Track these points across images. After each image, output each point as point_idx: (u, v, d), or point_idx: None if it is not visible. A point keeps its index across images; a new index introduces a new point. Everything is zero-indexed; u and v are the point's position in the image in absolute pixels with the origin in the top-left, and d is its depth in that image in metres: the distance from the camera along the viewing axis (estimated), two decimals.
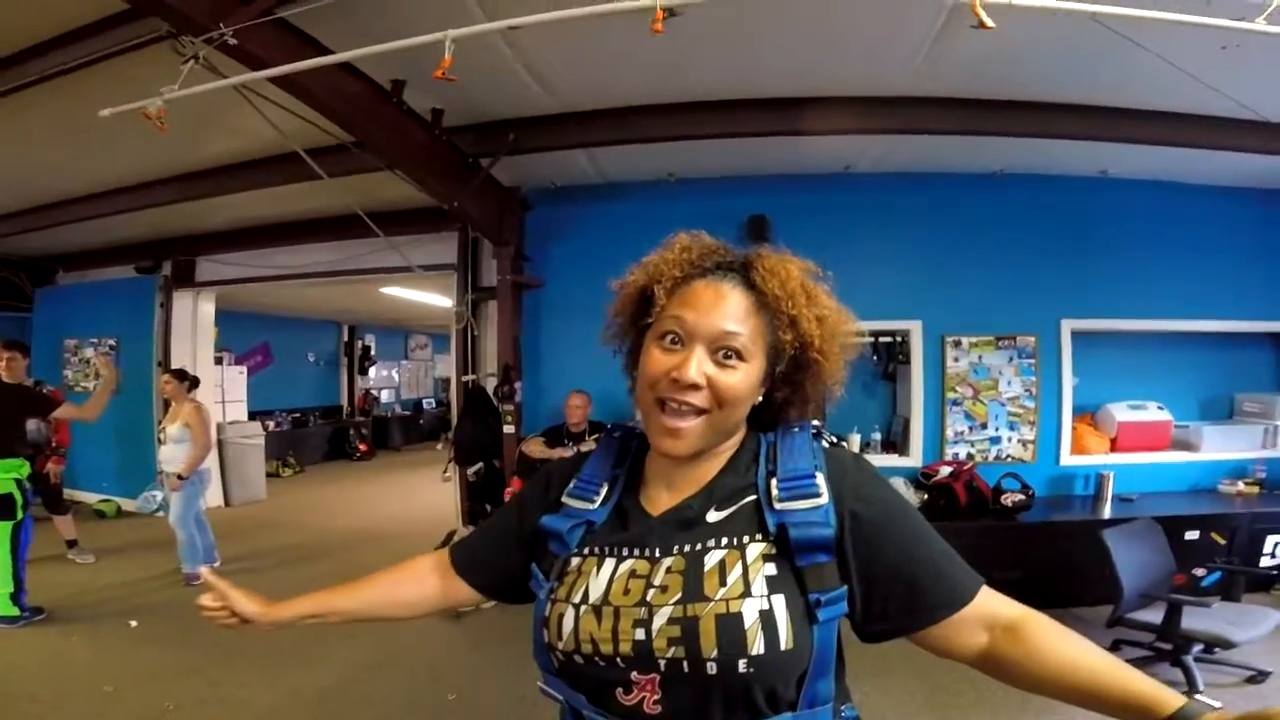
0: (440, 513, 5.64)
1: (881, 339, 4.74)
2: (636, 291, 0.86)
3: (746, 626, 0.66)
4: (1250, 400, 4.72)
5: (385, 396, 12.52)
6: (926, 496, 4.24)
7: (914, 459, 4.57)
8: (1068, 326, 4.54)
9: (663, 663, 0.68)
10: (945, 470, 4.34)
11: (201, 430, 4.47)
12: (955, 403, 4.59)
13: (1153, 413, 4.58)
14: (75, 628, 3.67)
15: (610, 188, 4.76)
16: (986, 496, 4.16)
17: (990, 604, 0.74)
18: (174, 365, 5.57)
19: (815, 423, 0.85)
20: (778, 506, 0.73)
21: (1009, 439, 4.60)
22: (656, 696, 0.69)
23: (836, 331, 0.81)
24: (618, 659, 0.71)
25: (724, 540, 0.73)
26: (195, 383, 4.77)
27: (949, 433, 4.60)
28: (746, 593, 0.68)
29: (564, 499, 0.87)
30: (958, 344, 4.58)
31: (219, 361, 7.51)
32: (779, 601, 0.68)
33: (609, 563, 0.77)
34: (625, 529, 0.81)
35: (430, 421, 12.99)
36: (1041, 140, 3.61)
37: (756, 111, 3.50)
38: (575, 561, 0.80)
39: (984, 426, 4.61)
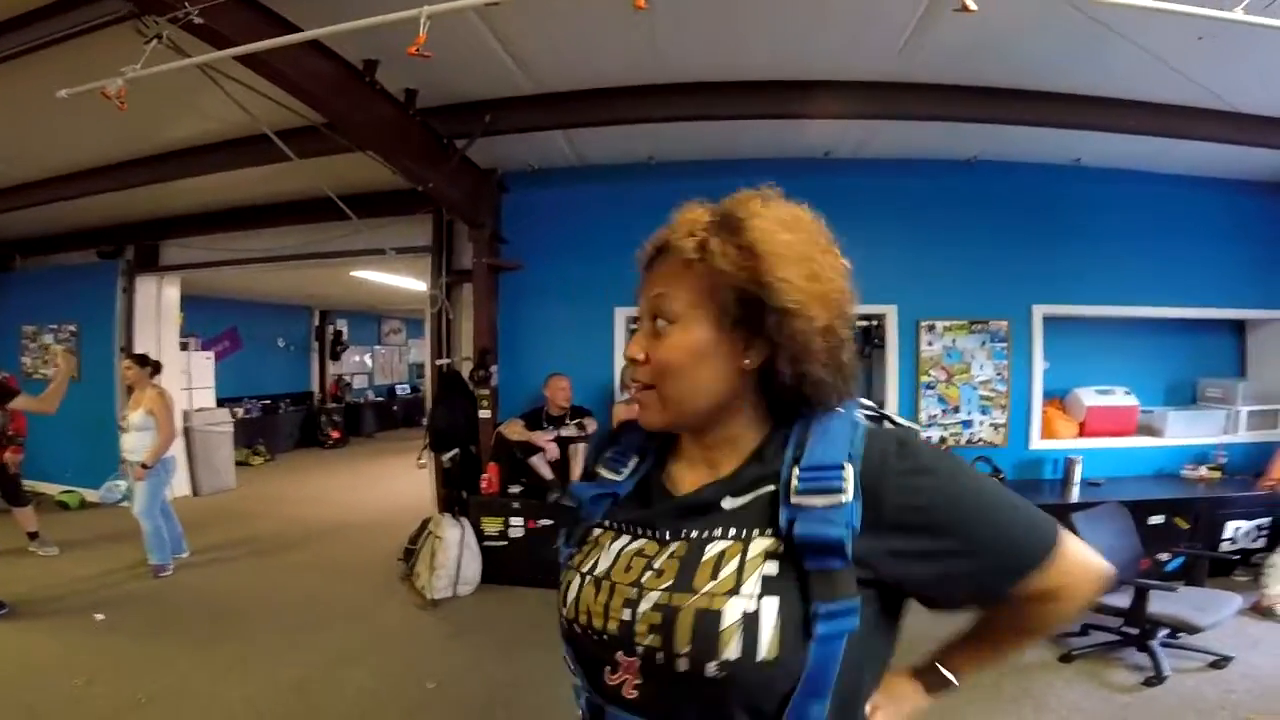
0: (415, 501, 5.59)
1: (858, 322, 4.76)
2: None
3: (723, 627, 0.60)
4: (1212, 385, 4.85)
5: (358, 383, 12.34)
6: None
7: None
8: (1039, 311, 4.62)
9: (640, 648, 0.65)
10: None
11: (165, 417, 4.35)
12: (929, 386, 4.65)
13: (1120, 397, 4.68)
14: (40, 623, 3.57)
15: (588, 170, 4.70)
16: None
17: (1053, 567, 0.67)
18: (137, 351, 5.40)
19: (867, 402, 0.76)
20: (793, 500, 0.64)
21: (981, 422, 4.67)
22: (637, 682, 0.66)
23: (769, 244, 0.67)
24: (605, 635, 0.68)
25: (730, 531, 0.67)
26: (158, 368, 4.62)
27: (923, 416, 4.65)
28: (735, 590, 0.62)
29: (597, 467, 0.85)
30: (932, 328, 4.63)
31: (185, 347, 7.32)
32: (770, 605, 0.60)
33: (622, 539, 0.74)
34: (644, 506, 0.77)
35: (404, 408, 12.84)
36: (1017, 128, 3.63)
37: (738, 95, 3.47)
38: (595, 532, 0.77)
39: (956, 410, 4.67)
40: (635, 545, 0.72)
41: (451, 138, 3.83)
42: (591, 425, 4.28)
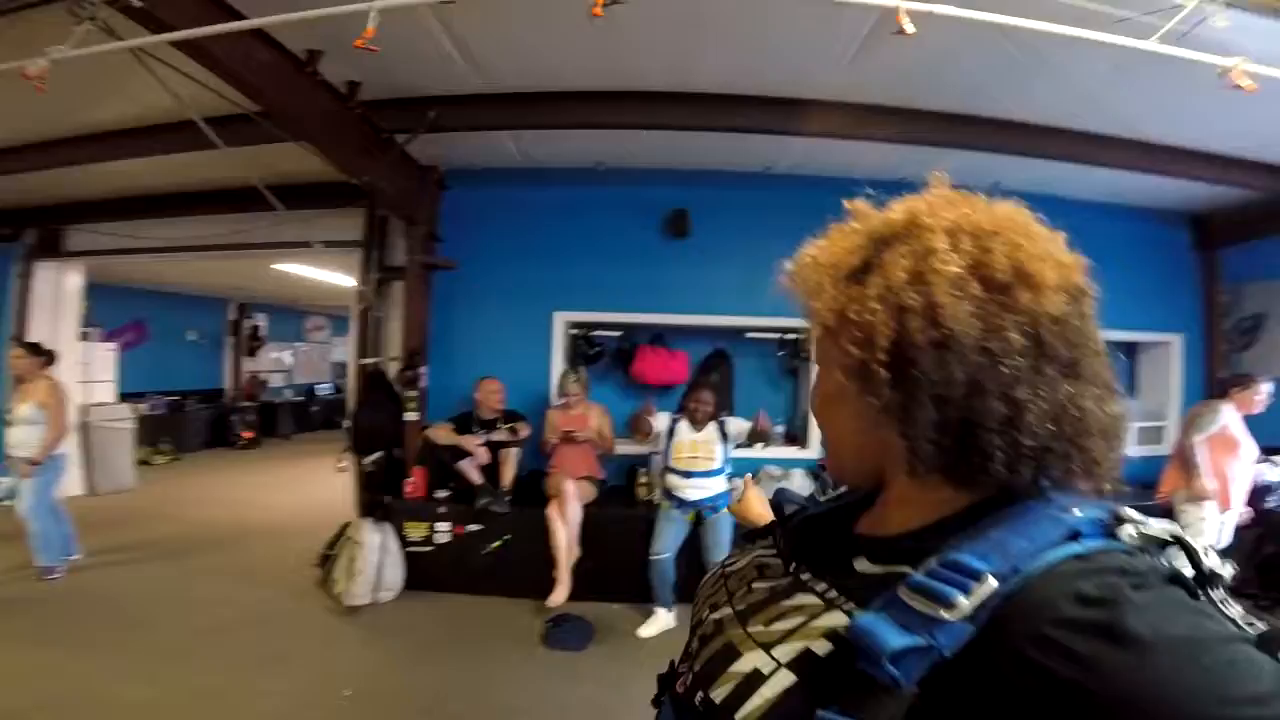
0: (333, 505, 5.36)
1: (787, 335, 4.93)
2: None
3: (728, 669, 0.54)
4: None
5: (276, 381, 11.77)
6: (820, 486, 4.46)
7: (812, 451, 4.79)
8: None
9: (693, 649, 0.65)
10: None
11: (58, 410, 4.05)
12: None
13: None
14: None
15: (534, 172, 4.67)
16: None
17: None
18: (31, 340, 5.01)
19: (1115, 508, 0.50)
20: (900, 591, 0.47)
21: None
22: (686, 681, 0.62)
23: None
24: (695, 624, 0.68)
25: (830, 592, 0.55)
26: (51, 358, 4.30)
27: None
28: (768, 644, 0.53)
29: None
30: None
31: (84, 338, 6.83)
32: (782, 679, 0.49)
33: (765, 551, 0.72)
34: (809, 534, 0.69)
35: (325, 409, 12.32)
36: (945, 150, 3.83)
37: (690, 106, 3.54)
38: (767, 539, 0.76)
39: None
40: (764, 557, 0.70)
41: (393, 132, 3.75)
42: (525, 430, 4.25)
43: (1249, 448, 3.72)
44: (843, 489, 0.74)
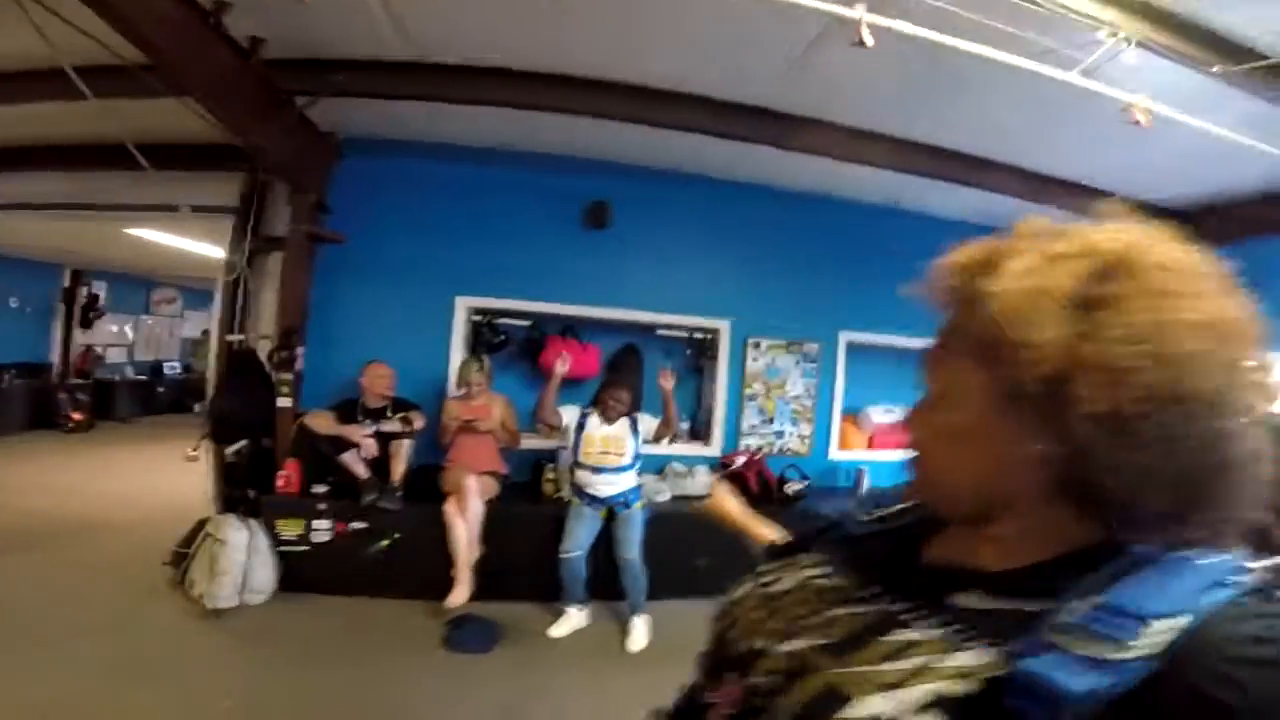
0: (186, 498, 4.78)
1: (695, 334, 4.95)
2: None
3: (839, 714, 0.49)
4: None
5: (114, 356, 10.46)
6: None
7: (715, 448, 4.84)
8: (844, 337, 5.12)
9: (750, 683, 0.58)
10: (740, 460, 4.65)
11: None
12: (751, 398, 4.94)
13: (901, 415, 5.31)
14: None
15: (445, 148, 4.36)
16: (772, 485, 4.56)
17: None
18: None
19: (1234, 556, 0.50)
20: (1050, 636, 0.45)
21: (790, 434, 5.06)
22: (728, 713, 0.59)
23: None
24: (736, 650, 0.63)
25: (942, 629, 0.51)
26: None
27: (744, 425, 4.93)
28: (889, 687, 0.48)
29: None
30: (758, 345, 4.94)
31: None
32: None
33: (819, 569, 0.68)
34: (864, 551, 0.68)
35: (173, 390, 11.10)
36: (851, 165, 3.95)
37: (625, 95, 3.43)
38: (806, 556, 0.72)
39: (771, 421, 5.02)
40: (829, 583, 0.65)
41: (292, 94, 3.38)
42: (419, 420, 3.96)
43: None
44: (891, 509, 0.71)
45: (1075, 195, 4.21)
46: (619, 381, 3.83)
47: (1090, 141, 3.58)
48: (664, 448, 4.59)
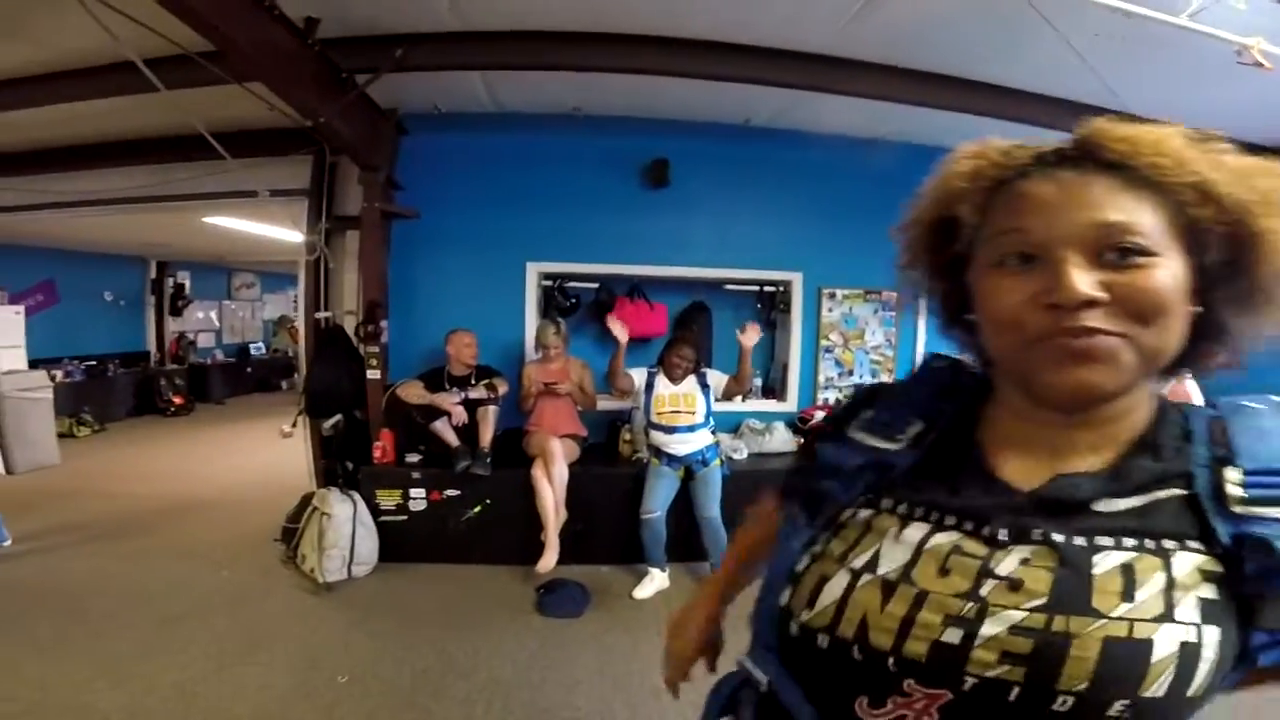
0: (285, 475, 5.05)
1: (766, 288, 4.85)
2: (930, 226, 0.65)
3: (1155, 660, 0.47)
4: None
5: (203, 341, 11.03)
6: (802, 440, 4.44)
7: (790, 404, 4.77)
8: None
9: (971, 681, 0.50)
10: (818, 415, 4.57)
11: None
12: (828, 350, 4.82)
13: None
14: None
15: (504, 117, 4.34)
16: None
17: None
18: None
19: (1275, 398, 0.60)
20: (1236, 510, 0.52)
21: None
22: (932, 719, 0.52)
23: (1266, 185, 0.54)
24: (892, 656, 0.52)
25: (1130, 540, 0.52)
26: None
27: (821, 379, 4.82)
28: (1167, 616, 0.49)
29: (850, 432, 0.67)
30: (833, 295, 4.79)
31: None
32: (1211, 635, 0.49)
33: (919, 527, 0.57)
34: (952, 490, 0.59)
35: (260, 369, 11.67)
36: (921, 109, 3.74)
37: (676, 51, 3.31)
38: (863, 514, 0.60)
39: (851, 373, 4.89)
40: (946, 540, 0.56)
41: (352, 72, 3.38)
42: (503, 386, 4.03)
43: None
44: (914, 430, 0.65)
45: None
46: (682, 338, 3.79)
47: (1187, 79, 3.33)
48: (738, 405, 4.57)
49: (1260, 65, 2.20)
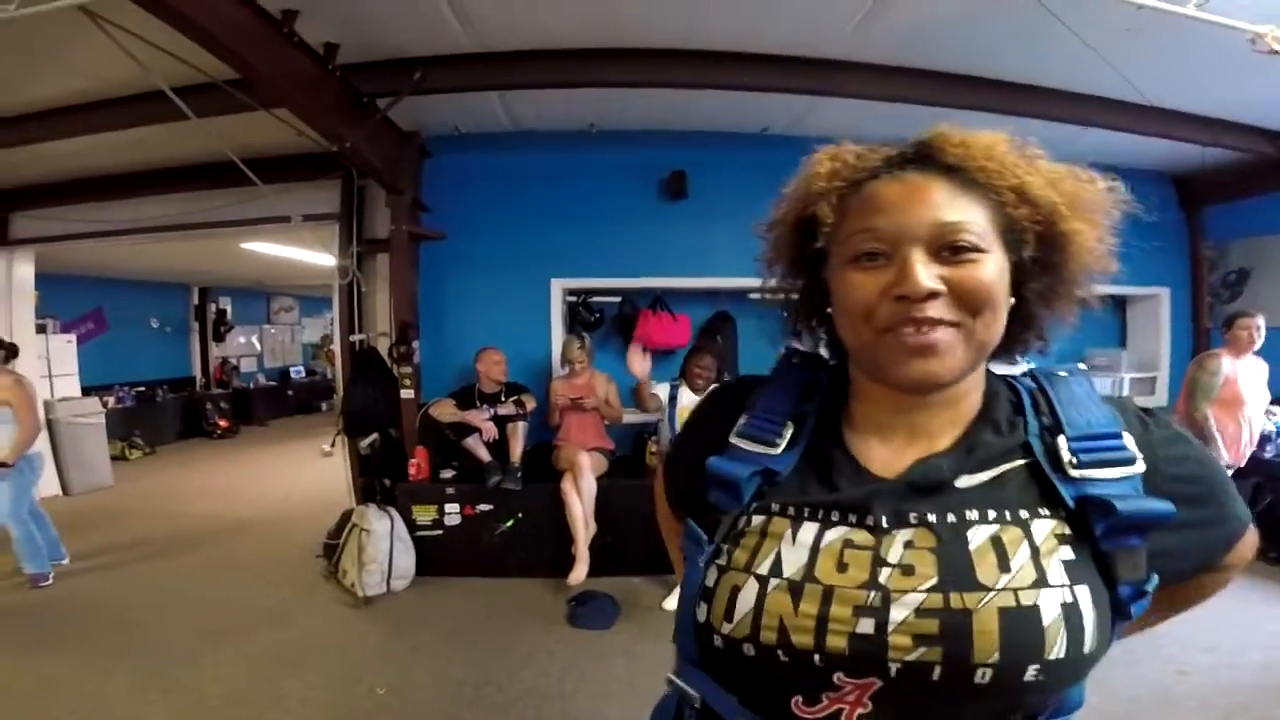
0: (327, 492, 5.19)
1: (791, 295, 4.83)
2: (792, 225, 0.69)
3: (1046, 624, 0.51)
4: (1099, 355, 5.29)
5: (246, 365, 11.38)
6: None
7: None
8: None
9: (895, 666, 0.52)
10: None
11: (26, 408, 3.78)
12: None
13: (1019, 366, 5.02)
14: None
15: (522, 136, 4.45)
16: None
17: (1247, 533, 0.66)
18: None
19: (1080, 365, 0.69)
20: (1074, 474, 0.57)
21: None
22: (865, 710, 0.54)
23: (1080, 192, 0.63)
24: (817, 654, 0.54)
25: (992, 513, 0.57)
26: (14, 351, 4.01)
27: None
28: (1041, 581, 0.53)
29: (732, 438, 0.68)
30: None
31: (41, 330, 6.45)
32: (1083, 594, 0.53)
33: (810, 527, 0.60)
34: (830, 487, 0.63)
35: (300, 392, 11.99)
36: (940, 109, 3.70)
37: (690, 63, 3.35)
38: (758, 521, 0.62)
39: None
40: (836, 535, 0.59)
41: (373, 96, 3.49)
42: (531, 402, 4.09)
43: (1256, 395, 3.70)
44: (788, 433, 0.67)
45: (1193, 127, 3.96)
46: (702, 348, 3.79)
47: (1209, 72, 3.27)
48: None
49: (1276, 53, 2.16)
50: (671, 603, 3.53)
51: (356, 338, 4.59)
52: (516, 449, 3.93)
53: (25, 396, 3.80)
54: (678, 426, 3.62)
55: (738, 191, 4.53)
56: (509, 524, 3.89)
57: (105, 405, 7.20)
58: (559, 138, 4.43)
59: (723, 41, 3.26)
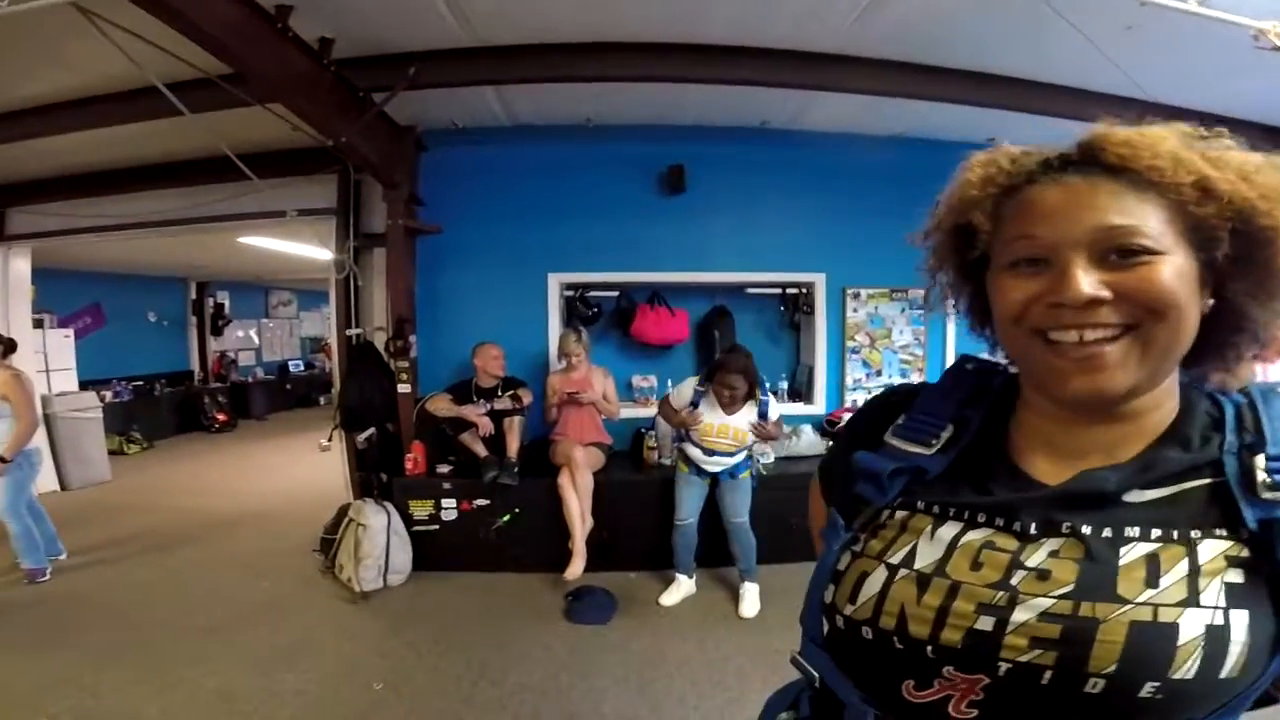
0: (324, 487, 5.15)
1: (788, 290, 4.83)
2: (950, 234, 0.68)
3: (1181, 643, 0.50)
4: None
5: (244, 359, 11.36)
6: (831, 444, 4.41)
7: (818, 406, 4.74)
8: None
9: (1006, 666, 0.53)
10: (846, 416, 4.53)
11: (24, 403, 3.77)
12: (854, 350, 4.79)
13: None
14: None
15: (519, 130, 4.43)
16: None
17: None
18: None
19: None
20: (1265, 495, 0.53)
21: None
22: (974, 699, 0.55)
23: (1267, 180, 0.57)
24: (930, 645, 0.56)
25: (1156, 531, 0.55)
26: (11, 346, 4.00)
27: (848, 380, 4.79)
28: (1190, 601, 0.51)
29: (886, 438, 0.70)
30: (857, 295, 4.75)
31: (39, 325, 6.43)
32: (1239, 619, 0.50)
33: (952, 526, 0.61)
34: (981, 490, 0.63)
35: (299, 386, 11.98)
36: (940, 105, 3.69)
37: (688, 58, 3.33)
38: (899, 515, 0.64)
39: (879, 373, 4.85)
40: (978, 536, 0.59)
41: (369, 91, 3.48)
42: (527, 397, 4.08)
43: None
44: (946, 434, 0.67)
45: (1193, 122, 3.85)
46: (730, 364, 3.29)
47: (1213, 69, 3.28)
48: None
49: (1279, 48, 2.16)
50: (669, 598, 3.53)
51: (353, 332, 4.58)
52: (513, 444, 3.93)
53: (23, 392, 3.79)
54: (696, 434, 3.43)
55: (736, 186, 4.54)
56: (506, 519, 3.90)
57: (103, 400, 7.18)
58: (556, 132, 4.41)
59: (721, 36, 3.24)
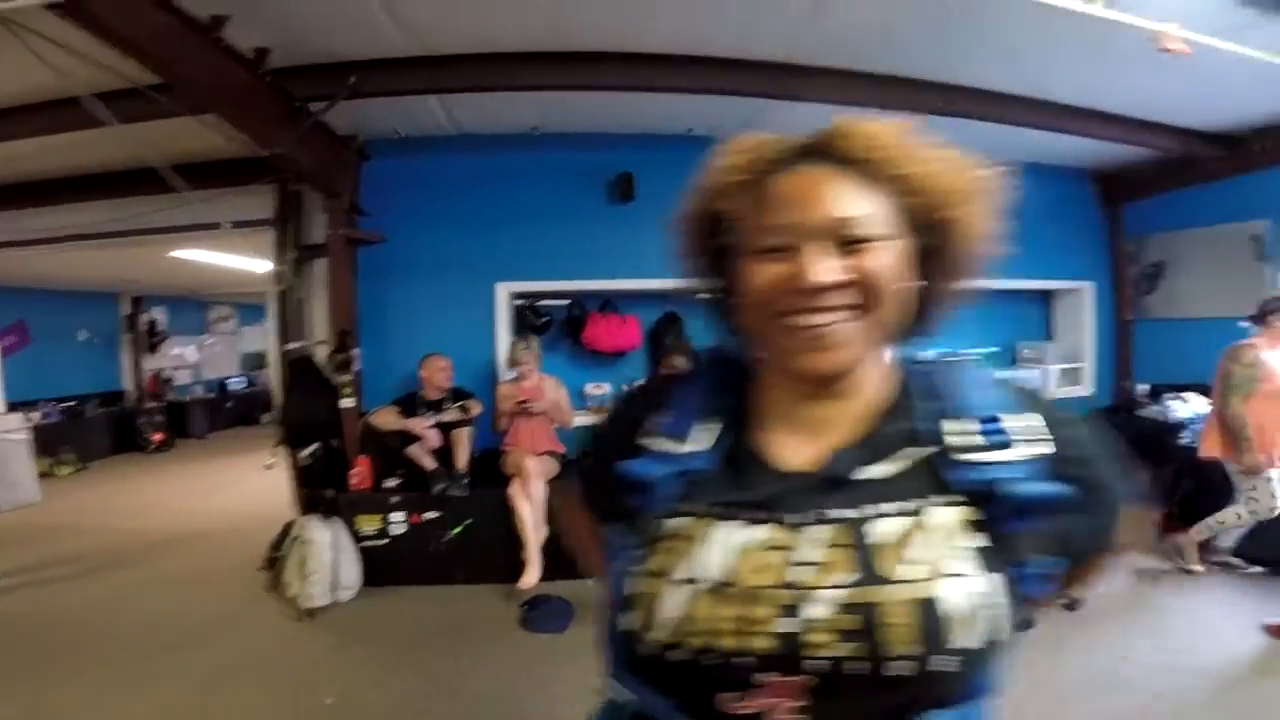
0: (269, 505, 5.00)
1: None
2: (702, 221, 0.69)
3: (953, 614, 0.52)
4: (1028, 347, 5.54)
5: (181, 377, 10.92)
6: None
7: None
8: None
9: (818, 663, 0.53)
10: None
11: None
12: None
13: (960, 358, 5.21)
14: None
15: (464, 139, 4.39)
16: None
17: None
18: None
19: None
20: (971, 458, 0.59)
21: None
22: (796, 704, 0.54)
23: (960, 179, 0.64)
24: (742, 656, 0.55)
25: (895, 504, 0.58)
26: None
27: None
28: (945, 569, 0.54)
29: (642, 440, 0.67)
30: None
31: None
32: (990, 581, 0.55)
33: (726, 528, 0.59)
34: (745, 485, 0.62)
35: (241, 403, 11.58)
36: (882, 112, 3.79)
37: (631, 65, 3.35)
38: (674, 523, 0.61)
39: None
40: (754, 535, 0.58)
41: (307, 100, 3.41)
42: (476, 408, 4.05)
43: None
44: (709, 430, 0.67)
45: (1109, 125, 4.11)
46: (671, 349, 3.64)
47: (1112, 69, 3.43)
48: None
49: (1177, 51, 2.28)
50: None
51: (291, 346, 4.46)
52: (462, 455, 3.89)
53: None
54: None
55: (685, 193, 4.58)
56: (457, 531, 3.85)
57: (30, 421, 6.83)
58: (502, 140, 4.40)
59: (665, 44, 3.27)
